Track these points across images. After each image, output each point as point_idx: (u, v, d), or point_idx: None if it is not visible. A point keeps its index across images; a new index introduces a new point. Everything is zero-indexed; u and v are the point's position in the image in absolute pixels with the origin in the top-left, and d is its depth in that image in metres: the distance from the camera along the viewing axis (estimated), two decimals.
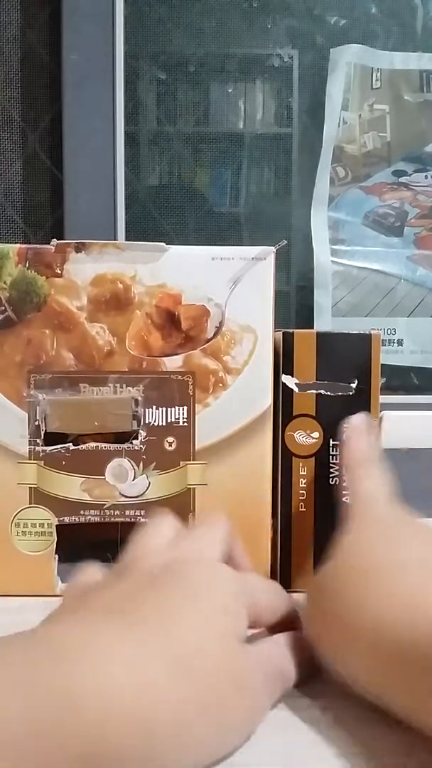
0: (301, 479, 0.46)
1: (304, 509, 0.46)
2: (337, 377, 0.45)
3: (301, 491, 0.46)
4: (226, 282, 0.44)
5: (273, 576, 0.46)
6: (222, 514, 0.36)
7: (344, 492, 0.43)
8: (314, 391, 0.45)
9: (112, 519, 0.45)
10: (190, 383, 0.45)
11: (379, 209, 0.90)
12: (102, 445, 0.45)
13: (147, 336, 0.45)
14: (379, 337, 0.46)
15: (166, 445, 0.45)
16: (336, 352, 0.45)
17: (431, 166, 0.90)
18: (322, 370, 0.45)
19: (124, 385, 0.45)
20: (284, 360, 0.45)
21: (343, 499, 0.43)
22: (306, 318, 0.89)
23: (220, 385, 0.45)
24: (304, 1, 0.89)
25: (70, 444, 0.45)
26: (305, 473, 0.46)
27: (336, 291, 0.90)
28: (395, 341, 0.90)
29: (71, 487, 0.44)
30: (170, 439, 0.45)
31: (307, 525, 0.46)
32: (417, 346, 0.91)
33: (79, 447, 0.45)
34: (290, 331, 0.45)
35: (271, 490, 0.45)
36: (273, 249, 0.44)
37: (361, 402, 0.46)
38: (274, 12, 0.88)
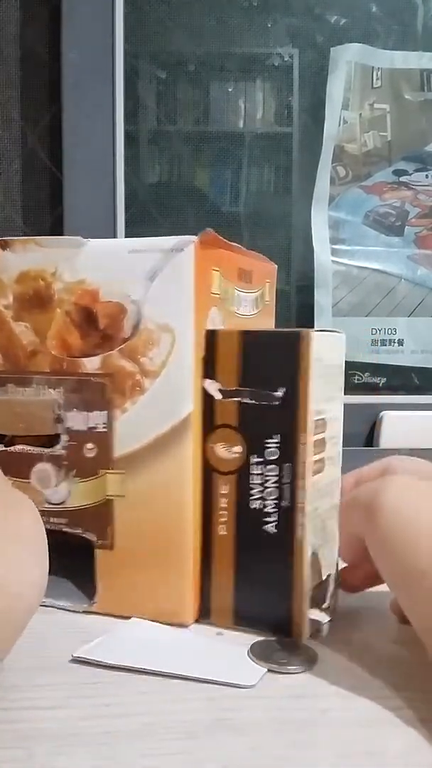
0: (222, 499, 0.40)
1: (224, 533, 0.41)
2: (262, 384, 0.39)
3: (221, 512, 0.41)
4: (143, 276, 0.40)
5: (197, 603, 0.42)
6: None
7: (267, 520, 0.39)
8: (237, 399, 0.40)
9: None
10: (107, 386, 0.41)
11: (380, 209, 0.90)
12: (28, 448, 0.43)
13: (67, 335, 0.42)
14: (309, 336, 0.38)
15: (86, 452, 0.42)
16: (261, 355, 0.39)
17: None
18: (246, 375, 0.39)
19: (46, 387, 0.42)
20: (206, 363, 0.40)
21: (268, 527, 0.39)
22: (306, 318, 0.89)
23: (138, 388, 0.40)
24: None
25: (1, 445, 0.44)
26: (226, 492, 0.40)
27: (336, 291, 0.89)
28: (396, 341, 0.90)
29: None
30: (90, 445, 0.42)
31: (226, 552, 0.41)
32: (417, 345, 0.90)
33: (8, 449, 0.43)
34: (213, 329, 0.40)
35: (193, 507, 0.41)
36: (192, 239, 0.39)
37: (287, 415, 0.38)
38: (274, 11, 0.88)
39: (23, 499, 0.35)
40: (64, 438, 0.42)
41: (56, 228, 0.85)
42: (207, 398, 0.40)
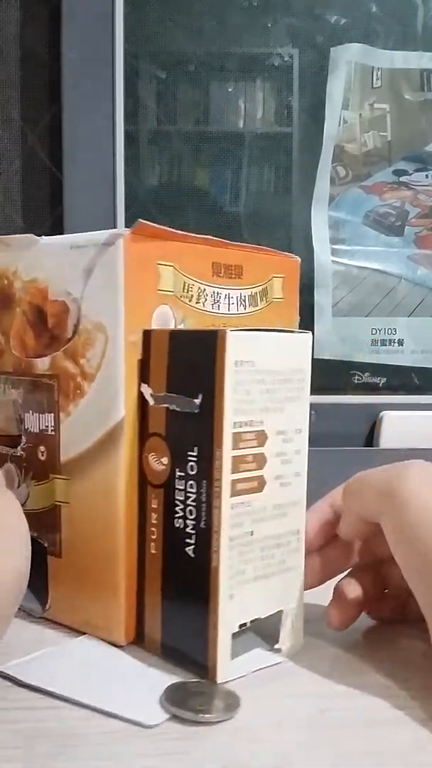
0: (153, 514, 0.37)
1: (155, 551, 0.37)
2: (185, 389, 0.35)
3: (152, 528, 0.37)
4: (81, 273, 0.38)
5: (132, 624, 0.39)
6: None
7: (188, 542, 0.35)
8: (165, 406, 0.36)
9: None
10: (55, 388, 0.39)
11: (380, 209, 0.90)
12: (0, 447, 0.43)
13: (24, 335, 0.41)
14: (225, 336, 0.33)
15: (40, 455, 0.41)
16: (185, 358, 0.36)
17: None
18: (173, 379, 0.36)
19: (10, 387, 0.42)
20: (143, 365, 0.37)
21: (188, 550, 0.35)
22: (307, 318, 0.89)
23: (78, 391, 0.38)
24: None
25: None
26: (156, 506, 0.37)
27: (336, 291, 0.89)
28: (396, 341, 0.90)
29: None
30: (42, 448, 0.41)
31: (155, 573, 0.37)
32: (417, 345, 0.90)
33: None
34: (149, 330, 0.37)
35: (126, 520, 0.38)
36: (122, 232, 0.36)
37: (205, 425, 0.34)
38: (274, 11, 0.88)
39: (3, 490, 0.35)
40: (23, 439, 0.41)
41: (56, 228, 0.85)
42: (144, 404, 0.37)
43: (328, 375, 0.89)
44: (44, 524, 0.41)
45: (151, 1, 0.87)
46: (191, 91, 0.90)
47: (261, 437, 0.35)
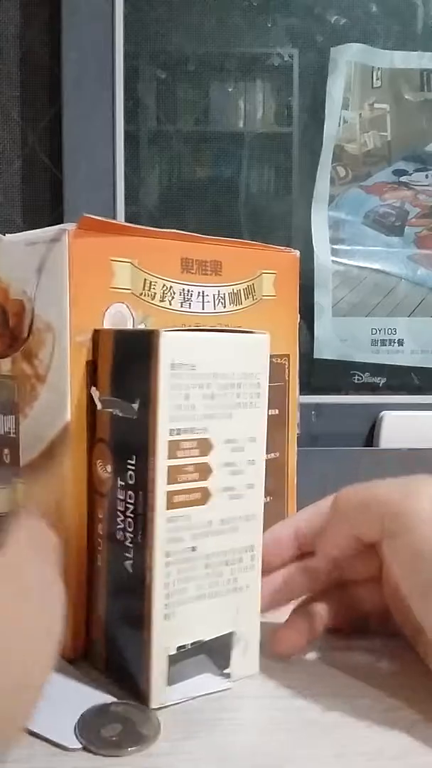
0: (99, 524, 0.35)
1: (100, 563, 0.35)
2: (125, 393, 0.33)
3: (99, 539, 0.35)
4: (34, 271, 0.36)
5: (81, 638, 0.37)
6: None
7: (127, 555, 0.33)
8: (110, 410, 0.34)
9: None
10: (15, 389, 0.38)
11: (380, 209, 0.90)
12: None
13: None
14: (158, 336, 0.31)
15: (4, 457, 0.39)
16: (126, 359, 0.34)
17: None
18: (116, 382, 0.34)
19: None
20: (93, 367, 0.35)
21: (127, 564, 0.33)
22: (307, 319, 0.89)
23: (33, 393, 0.37)
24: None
25: None
26: (101, 516, 0.35)
27: (336, 290, 0.89)
28: (396, 341, 0.90)
29: None
30: (6, 451, 0.39)
31: (101, 587, 0.35)
32: (417, 345, 0.90)
33: None
34: (98, 329, 0.36)
35: (73, 529, 0.36)
36: (67, 227, 0.35)
37: (142, 431, 0.32)
38: (274, 11, 0.88)
39: (52, 561, 0.31)
40: None
41: None
42: (92, 408, 0.35)
43: (328, 375, 0.89)
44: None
45: (152, 1, 0.87)
46: (191, 91, 0.90)
47: (204, 446, 0.33)
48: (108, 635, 0.35)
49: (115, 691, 0.34)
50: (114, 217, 0.85)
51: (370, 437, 0.88)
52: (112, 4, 0.84)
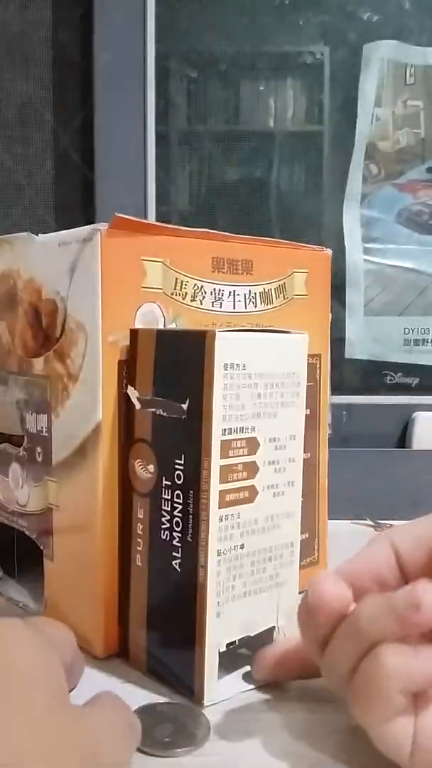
0: (138, 524, 0.35)
1: (140, 564, 0.35)
2: (172, 393, 0.33)
3: (138, 539, 0.35)
4: (67, 271, 0.36)
5: (115, 637, 0.36)
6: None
7: (175, 555, 0.33)
8: (152, 410, 0.34)
9: (11, 524, 0.42)
10: (48, 389, 0.38)
11: (413, 207, 0.89)
12: (7, 446, 0.42)
13: (26, 335, 0.40)
14: (213, 337, 0.31)
15: (37, 456, 0.39)
16: (172, 359, 0.33)
17: None
18: (159, 382, 0.34)
19: (14, 387, 0.41)
20: (129, 367, 0.35)
21: (175, 563, 0.33)
22: (339, 318, 0.88)
23: (65, 392, 0.37)
24: None
25: None
26: (142, 516, 0.35)
27: (368, 289, 0.89)
28: (429, 341, 0.89)
29: None
30: (39, 449, 0.39)
31: (141, 586, 0.35)
32: None
33: None
34: (136, 329, 0.35)
35: (105, 529, 0.36)
36: (100, 227, 0.35)
37: (192, 431, 0.32)
38: (305, 8, 0.88)
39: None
40: (25, 439, 0.40)
41: None
42: (131, 408, 0.35)
43: (360, 375, 0.88)
44: (40, 527, 0.40)
45: (182, 0, 0.87)
46: (222, 90, 0.90)
47: (252, 445, 0.33)
48: (150, 635, 0.35)
49: (158, 689, 0.34)
50: (145, 217, 0.85)
51: (403, 438, 0.88)
52: (143, 3, 0.84)
